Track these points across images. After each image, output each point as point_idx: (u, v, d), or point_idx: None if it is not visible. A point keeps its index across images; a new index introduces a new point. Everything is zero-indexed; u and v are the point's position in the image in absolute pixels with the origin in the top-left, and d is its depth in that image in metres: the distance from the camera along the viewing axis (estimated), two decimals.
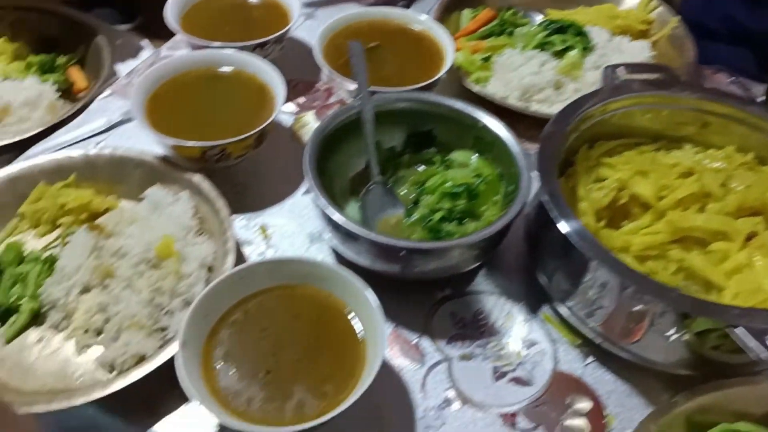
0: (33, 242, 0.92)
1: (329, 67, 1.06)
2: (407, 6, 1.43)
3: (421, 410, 0.76)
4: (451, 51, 1.11)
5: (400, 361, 0.80)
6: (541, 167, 0.80)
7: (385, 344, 0.69)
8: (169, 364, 0.75)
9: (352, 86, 1.03)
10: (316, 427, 0.64)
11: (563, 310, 0.82)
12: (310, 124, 1.13)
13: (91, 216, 0.93)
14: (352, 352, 0.73)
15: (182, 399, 0.77)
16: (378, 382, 0.67)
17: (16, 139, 1.19)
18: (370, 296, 0.73)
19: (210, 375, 0.70)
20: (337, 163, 0.92)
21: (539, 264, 0.85)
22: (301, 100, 1.18)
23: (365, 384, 0.67)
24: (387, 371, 0.78)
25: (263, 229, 0.96)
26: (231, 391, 0.69)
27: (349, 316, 0.75)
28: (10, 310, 0.83)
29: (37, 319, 0.83)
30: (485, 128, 0.93)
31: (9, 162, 0.98)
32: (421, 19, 1.19)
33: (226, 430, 0.73)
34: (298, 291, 0.78)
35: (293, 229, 0.96)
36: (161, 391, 0.77)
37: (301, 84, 1.20)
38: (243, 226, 0.96)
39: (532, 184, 0.83)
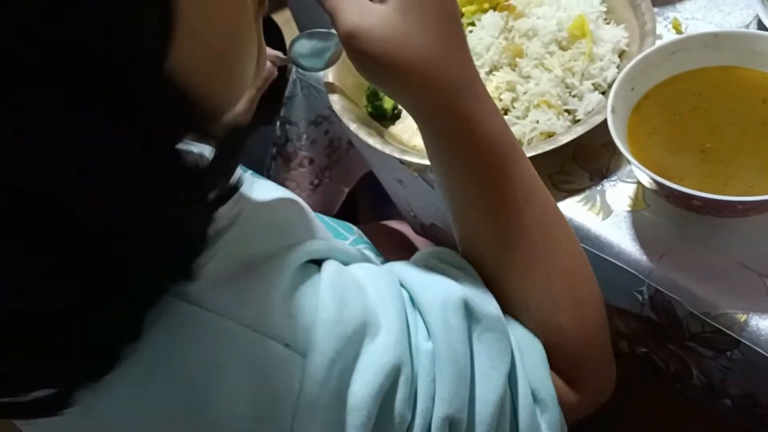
0: None
1: None
2: None
3: None
4: None
5: None
6: None
7: None
8: (579, 143, 0.73)
9: None
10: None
11: None
12: None
13: (493, 7, 0.92)
14: None
15: (588, 180, 0.75)
16: None
17: None
18: None
19: (638, 147, 0.66)
20: None
21: None
22: None
23: None
24: None
25: (676, 22, 0.85)
26: (661, 164, 0.64)
27: None
28: None
29: None
30: None
31: None
32: None
33: (652, 209, 0.70)
34: (739, 72, 0.68)
35: (713, 24, 0.84)
36: (567, 171, 0.76)
37: None
38: None
39: None
